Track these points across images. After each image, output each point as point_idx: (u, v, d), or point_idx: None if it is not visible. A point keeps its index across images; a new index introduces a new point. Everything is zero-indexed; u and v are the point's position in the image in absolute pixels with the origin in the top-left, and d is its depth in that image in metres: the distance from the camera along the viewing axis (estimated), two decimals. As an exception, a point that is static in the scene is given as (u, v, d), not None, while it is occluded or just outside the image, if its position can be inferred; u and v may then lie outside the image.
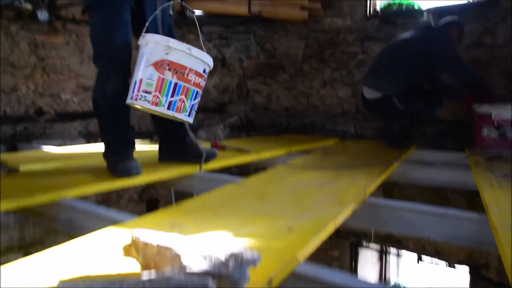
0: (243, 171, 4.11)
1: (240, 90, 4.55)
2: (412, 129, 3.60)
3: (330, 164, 2.48)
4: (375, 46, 4.11)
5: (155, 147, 2.55)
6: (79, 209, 1.65)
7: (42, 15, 3.86)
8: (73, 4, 4.00)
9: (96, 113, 2.12)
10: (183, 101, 1.85)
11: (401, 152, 3.09)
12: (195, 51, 1.83)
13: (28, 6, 3.80)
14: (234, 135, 3.93)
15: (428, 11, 3.91)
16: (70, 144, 4.02)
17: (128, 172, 1.97)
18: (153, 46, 1.81)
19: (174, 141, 2.39)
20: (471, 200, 3.36)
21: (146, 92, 1.80)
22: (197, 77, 1.87)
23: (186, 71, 1.82)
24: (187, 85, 1.84)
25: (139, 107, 1.84)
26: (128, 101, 1.87)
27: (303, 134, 4.42)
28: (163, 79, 1.80)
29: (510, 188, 1.88)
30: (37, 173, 2.14)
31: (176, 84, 1.81)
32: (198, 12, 4.50)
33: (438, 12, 3.84)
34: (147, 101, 1.80)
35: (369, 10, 4.18)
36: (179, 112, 1.85)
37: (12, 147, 3.53)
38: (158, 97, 1.80)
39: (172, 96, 1.81)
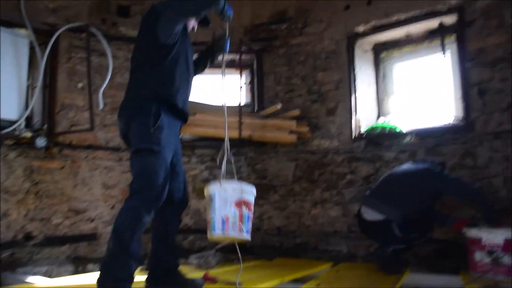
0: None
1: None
2: (406, 254, 3.57)
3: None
4: (363, 166, 4.24)
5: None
6: None
7: (41, 142, 3.99)
8: (71, 132, 4.18)
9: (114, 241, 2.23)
10: (251, 226, 2.47)
11: (396, 278, 3.04)
12: (254, 190, 2.50)
13: (28, 134, 3.95)
14: (227, 260, 3.87)
15: (410, 132, 4.10)
16: (58, 270, 3.93)
17: None
18: (231, 191, 2.41)
19: (166, 271, 2.48)
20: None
21: (233, 223, 2.37)
22: (252, 206, 2.49)
23: (251, 205, 2.45)
24: (251, 214, 2.46)
25: (223, 237, 2.41)
26: (218, 232, 2.35)
27: (296, 256, 4.36)
28: (242, 214, 2.40)
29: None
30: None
31: (248, 216, 2.43)
32: (190, 137, 4.69)
33: (419, 133, 4.03)
34: (234, 231, 2.38)
35: (354, 132, 4.37)
36: (249, 234, 2.45)
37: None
38: (241, 227, 2.39)
39: (247, 224, 2.42)
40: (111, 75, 4.39)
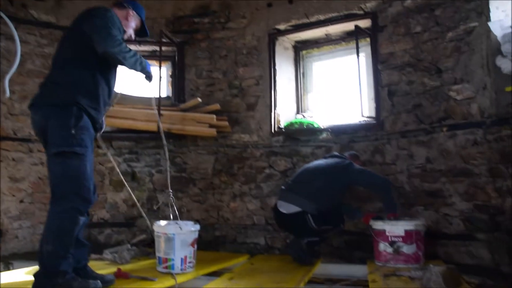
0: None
1: (150, 204, 4.49)
2: (319, 245, 3.73)
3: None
4: (281, 161, 4.36)
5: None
6: None
7: None
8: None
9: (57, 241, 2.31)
10: None
11: (308, 269, 3.17)
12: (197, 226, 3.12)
13: None
14: (143, 254, 3.80)
15: (326, 129, 4.28)
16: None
17: None
18: (189, 233, 2.98)
19: (74, 268, 2.43)
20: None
21: (189, 262, 2.98)
22: None
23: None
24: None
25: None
26: (178, 271, 2.88)
27: (215, 249, 4.40)
28: (194, 250, 3.03)
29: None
30: None
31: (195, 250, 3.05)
32: (107, 128, 4.52)
33: (334, 130, 4.21)
34: (191, 268, 2.99)
35: (273, 127, 4.47)
36: None
37: None
38: (194, 262, 3.04)
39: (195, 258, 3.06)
40: (21, 61, 4.09)
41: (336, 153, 3.78)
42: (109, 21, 2.48)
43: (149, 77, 2.73)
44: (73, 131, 2.32)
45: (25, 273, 3.07)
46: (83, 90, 2.44)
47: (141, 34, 2.96)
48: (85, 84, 2.47)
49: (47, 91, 2.48)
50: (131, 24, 2.83)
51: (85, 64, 2.49)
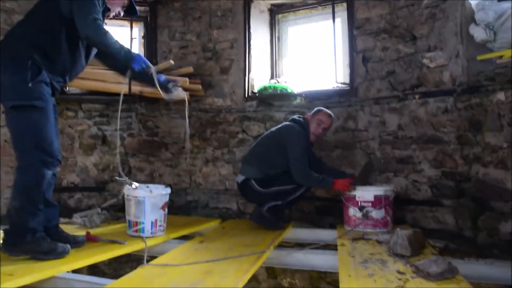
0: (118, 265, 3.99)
1: (122, 168, 4.42)
2: (285, 209, 3.75)
3: (204, 256, 2.48)
4: (254, 126, 4.33)
5: None
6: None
7: None
8: None
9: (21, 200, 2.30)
10: None
11: (278, 234, 3.20)
12: (168, 190, 3.09)
13: None
14: (114, 218, 3.76)
15: (300, 94, 4.25)
16: None
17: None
18: (159, 196, 2.96)
19: (45, 228, 2.43)
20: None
21: (160, 226, 2.98)
22: None
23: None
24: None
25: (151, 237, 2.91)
26: (148, 235, 2.88)
27: (187, 214, 4.40)
28: (165, 214, 3.03)
29: (365, 279, 2.03)
30: None
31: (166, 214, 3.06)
32: (77, 90, 4.40)
33: (308, 95, 4.19)
34: (161, 231, 3.00)
35: (247, 92, 4.41)
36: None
37: None
38: (164, 226, 3.04)
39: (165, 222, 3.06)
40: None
41: (295, 117, 3.71)
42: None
43: (132, 67, 2.51)
44: (30, 85, 2.27)
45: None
46: (41, 50, 2.36)
47: (130, 11, 2.82)
48: (44, 45, 2.38)
49: (4, 42, 2.39)
50: (118, 2, 2.70)
51: (51, 28, 2.40)
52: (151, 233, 2.92)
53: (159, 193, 2.96)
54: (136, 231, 2.91)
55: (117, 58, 2.46)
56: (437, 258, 2.16)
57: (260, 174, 3.42)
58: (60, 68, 2.47)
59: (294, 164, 3.31)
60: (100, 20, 2.38)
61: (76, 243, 2.57)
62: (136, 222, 2.90)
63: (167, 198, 3.05)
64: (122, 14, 2.78)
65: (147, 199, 2.88)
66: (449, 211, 3.30)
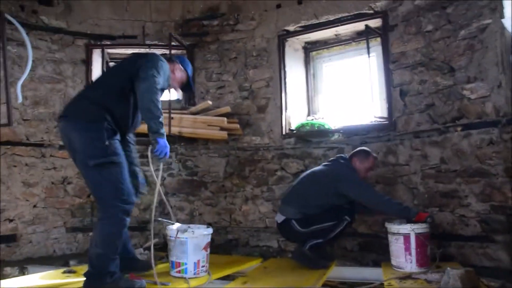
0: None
1: (162, 208, 4.48)
2: (327, 246, 3.69)
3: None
4: (293, 163, 4.33)
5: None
6: None
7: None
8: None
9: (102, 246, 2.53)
10: None
11: (322, 273, 3.14)
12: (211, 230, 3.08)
13: None
14: (155, 258, 3.79)
15: (337, 130, 4.24)
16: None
17: None
18: (201, 237, 2.96)
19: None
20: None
21: (203, 266, 2.96)
22: None
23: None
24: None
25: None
26: (190, 275, 2.88)
27: (227, 253, 4.38)
28: (207, 254, 3.01)
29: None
30: None
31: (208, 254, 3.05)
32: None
33: (346, 131, 4.17)
34: (204, 272, 2.98)
35: (284, 129, 4.44)
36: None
37: None
38: (207, 266, 3.03)
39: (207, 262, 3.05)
40: (32, 67, 4.14)
41: (340, 155, 3.70)
42: (158, 65, 2.65)
43: (155, 139, 2.61)
44: (107, 143, 2.52)
45: (40, 278, 3.08)
46: (111, 112, 2.61)
47: (186, 89, 3.19)
48: (114, 107, 2.63)
49: (80, 105, 2.65)
50: (177, 78, 3.05)
51: (121, 93, 2.68)
52: (194, 273, 2.91)
53: (201, 234, 2.96)
54: (179, 271, 2.91)
55: (144, 111, 2.59)
56: (494, 299, 2.05)
57: (300, 214, 3.42)
58: (123, 126, 2.73)
59: (364, 196, 3.36)
60: (159, 84, 2.61)
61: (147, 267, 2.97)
62: (179, 263, 2.91)
63: (209, 239, 3.05)
64: (178, 90, 3.17)
65: (190, 240, 2.89)
66: (502, 247, 3.15)
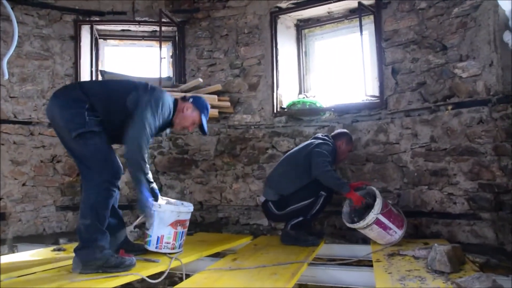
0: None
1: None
2: (316, 225, 3.71)
3: (238, 274, 2.47)
4: (283, 141, 4.32)
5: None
6: None
7: None
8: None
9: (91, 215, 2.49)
10: (184, 240, 2.97)
11: (311, 250, 3.16)
12: (191, 208, 2.97)
13: None
14: (142, 236, 3.79)
15: (329, 108, 4.23)
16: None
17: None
18: (169, 214, 2.81)
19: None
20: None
21: (167, 243, 2.84)
22: (187, 222, 2.97)
23: (186, 221, 2.94)
24: (185, 229, 2.95)
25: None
26: (152, 249, 2.82)
27: (218, 231, 4.40)
28: (176, 232, 2.86)
29: (404, 297, 1.97)
30: None
31: (182, 232, 2.91)
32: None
33: (337, 109, 4.16)
34: (167, 248, 2.85)
35: (276, 107, 4.42)
36: (181, 247, 2.97)
37: None
38: (174, 244, 2.87)
39: (180, 240, 2.91)
40: (19, 43, 4.06)
41: (319, 135, 3.69)
42: (153, 106, 2.62)
43: (140, 201, 2.67)
44: (87, 119, 2.50)
45: (30, 256, 3.08)
46: (96, 111, 2.58)
47: (200, 130, 3.06)
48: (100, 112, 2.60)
49: (71, 91, 2.66)
50: (187, 117, 2.90)
51: (113, 111, 2.65)
52: (156, 247, 2.83)
53: (168, 210, 2.82)
54: (145, 242, 2.88)
55: (127, 149, 2.60)
56: (480, 275, 2.07)
57: (277, 195, 3.47)
58: (109, 128, 2.65)
59: (316, 155, 3.35)
60: (151, 135, 2.64)
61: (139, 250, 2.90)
62: (147, 235, 2.86)
63: (180, 217, 2.86)
64: (190, 131, 3.19)
65: (156, 213, 2.77)
66: (488, 225, 3.19)
